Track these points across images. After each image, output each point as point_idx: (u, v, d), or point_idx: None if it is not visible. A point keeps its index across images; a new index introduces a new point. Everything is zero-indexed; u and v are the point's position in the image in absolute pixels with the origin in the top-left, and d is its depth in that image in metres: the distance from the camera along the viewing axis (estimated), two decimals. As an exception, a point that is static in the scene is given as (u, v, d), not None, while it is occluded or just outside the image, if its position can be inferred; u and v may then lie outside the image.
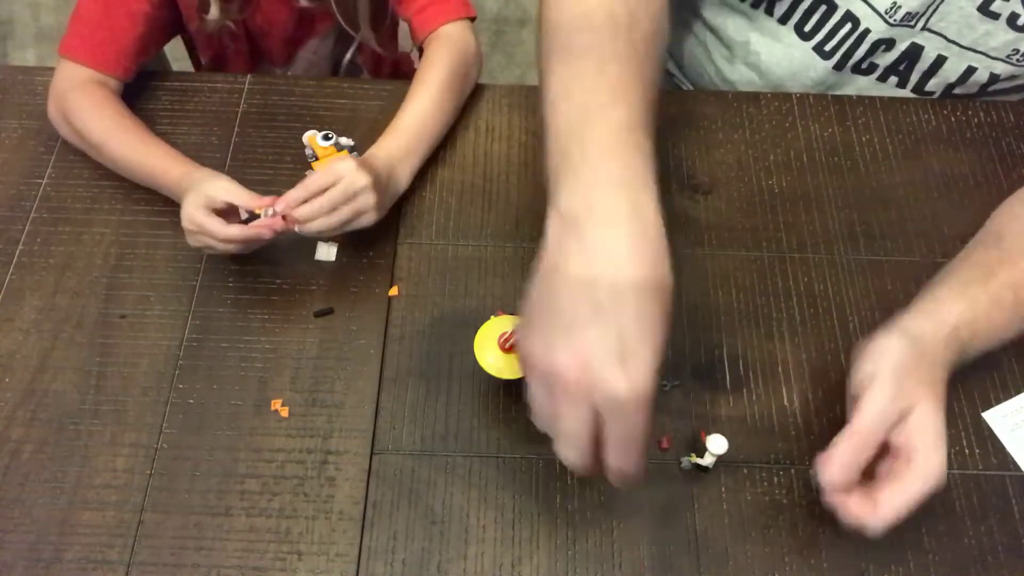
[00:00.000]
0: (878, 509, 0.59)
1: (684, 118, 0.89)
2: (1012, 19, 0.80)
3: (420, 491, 0.69)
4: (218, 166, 0.84)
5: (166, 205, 0.82)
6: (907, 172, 0.86)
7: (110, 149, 0.81)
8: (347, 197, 0.73)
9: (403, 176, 0.81)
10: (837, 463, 0.59)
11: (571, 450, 0.53)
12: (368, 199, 0.75)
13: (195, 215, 0.72)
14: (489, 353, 0.67)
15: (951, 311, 0.65)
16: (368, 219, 0.76)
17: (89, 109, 0.82)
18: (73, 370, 0.73)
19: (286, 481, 0.69)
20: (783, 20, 0.91)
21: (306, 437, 0.71)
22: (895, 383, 0.60)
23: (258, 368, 0.74)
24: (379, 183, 0.76)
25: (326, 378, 0.73)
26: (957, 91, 0.90)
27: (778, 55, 0.93)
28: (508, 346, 0.66)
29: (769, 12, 0.92)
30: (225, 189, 0.73)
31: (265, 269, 0.79)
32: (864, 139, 0.88)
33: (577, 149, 0.58)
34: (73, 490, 0.68)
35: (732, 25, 0.95)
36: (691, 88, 1.04)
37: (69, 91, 0.83)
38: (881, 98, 0.91)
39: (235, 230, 0.72)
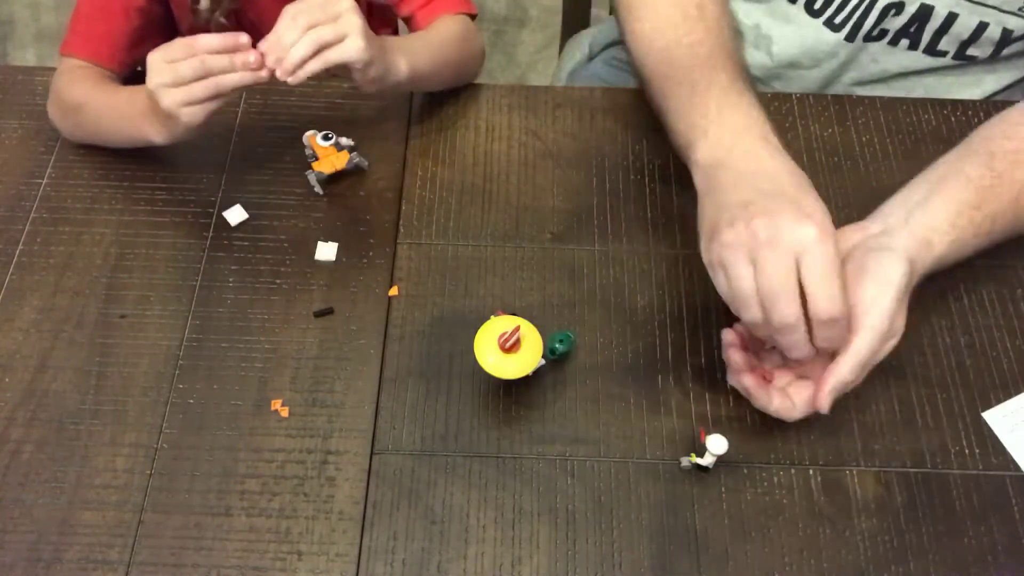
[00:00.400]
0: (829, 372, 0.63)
1: (684, 118, 0.89)
2: None
3: (420, 491, 0.69)
4: (218, 165, 0.84)
5: (166, 205, 0.82)
6: (907, 172, 0.85)
7: (90, 101, 0.81)
8: (327, 15, 0.69)
9: (401, 60, 0.78)
10: (833, 386, 0.63)
11: (785, 305, 0.59)
12: (352, 20, 0.69)
13: (161, 46, 0.68)
14: (489, 353, 0.67)
15: (942, 241, 0.68)
16: (353, 46, 0.70)
17: (73, 82, 0.83)
18: (73, 370, 0.73)
19: (286, 481, 0.69)
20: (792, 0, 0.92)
21: (306, 437, 0.71)
22: (896, 311, 0.64)
23: (258, 368, 0.74)
24: (367, 24, 0.71)
25: (326, 378, 0.73)
26: (971, 51, 0.89)
27: (789, 36, 0.93)
28: (508, 346, 0.66)
29: None
30: (182, 44, 0.68)
31: (265, 269, 0.79)
32: (864, 139, 0.88)
33: (699, 114, 0.71)
34: (73, 490, 0.68)
35: (742, 9, 0.95)
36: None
37: (58, 79, 0.84)
38: (881, 98, 0.91)
39: (208, 38, 0.67)
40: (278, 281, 0.78)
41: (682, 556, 0.66)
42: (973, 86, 0.93)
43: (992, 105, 0.90)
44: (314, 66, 0.69)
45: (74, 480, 0.68)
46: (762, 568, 0.66)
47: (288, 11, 0.70)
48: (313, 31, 0.68)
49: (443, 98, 0.90)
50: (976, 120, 0.89)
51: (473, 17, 0.92)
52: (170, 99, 0.69)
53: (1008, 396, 0.73)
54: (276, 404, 0.72)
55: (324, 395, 0.72)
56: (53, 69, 0.87)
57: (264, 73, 0.69)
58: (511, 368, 0.66)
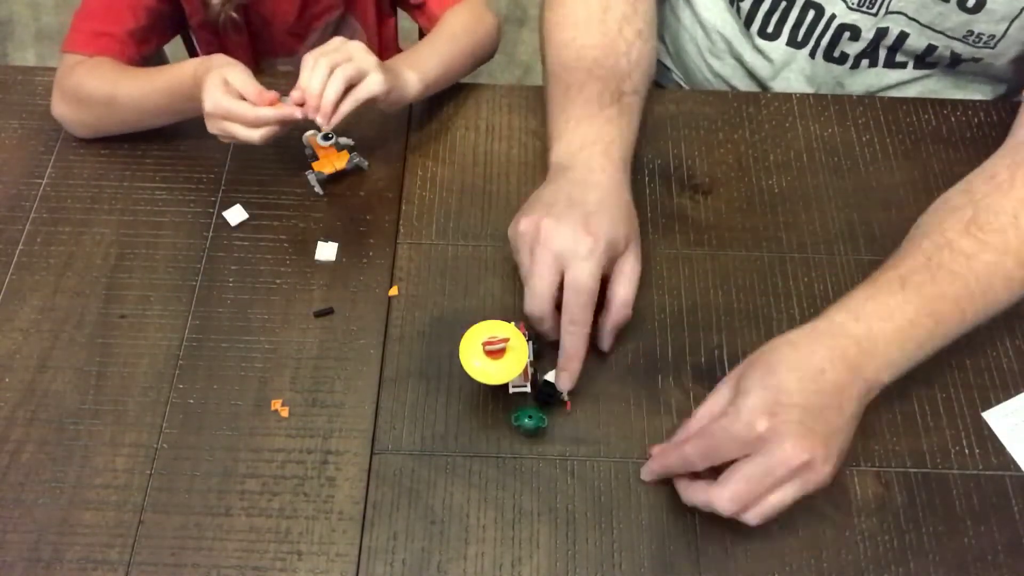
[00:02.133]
0: (721, 482, 0.61)
1: (684, 118, 0.89)
2: (961, 1, 0.82)
3: (420, 491, 0.69)
4: (218, 165, 0.84)
5: (166, 205, 0.82)
6: (907, 172, 0.86)
7: (120, 92, 0.81)
8: (343, 56, 0.73)
9: (411, 77, 0.81)
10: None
11: (536, 300, 0.68)
12: (366, 57, 0.74)
13: (221, 100, 0.72)
14: (475, 358, 0.66)
15: (828, 309, 0.67)
16: (376, 81, 0.74)
17: (90, 74, 0.83)
18: (73, 370, 0.73)
19: (286, 481, 0.69)
20: (747, 24, 0.92)
21: (306, 437, 0.71)
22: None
23: (258, 368, 0.74)
24: (377, 58, 0.75)
25: (326, 378, 0.73)
26: (929, 60, 0.90)
27: (758, 59, 0.94)
28: (490, 351, 0.66)
29: (738, 13, 0.93)
30: (240, 79, 0.72)
31: (265, 269, 0.79)
32: (864, 139, 0.88)
33: (563, 119, 0.78)
34: (73, 490, 0.68)
35: (720, 21, 0.95)
36: (686, 82, 1.04)
37: (68, 73, 0.84)
38: (881, 98, 0.91)
39: (266, 111, 0.71)
40: (278, 281, 0.78)
41: (682, 556, 0.66)
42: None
43: (992, 104, 0.90)
44: (347, 107, 0.73)
45: (74, 480, 0.68)
46: (762, 568, 0.66)
47: (308, 61, 0.73)
48: (339, 70, 0.72)
49: (443, 98, 0.90)
50: (976, 120, 0.89)
51: None
52: (221, 132, 0.74)
53: (1008, 396, 0.73)
54: (276, 404, 0.72)
55: (324, 395, 0.72)
56: (53, 69, 0.87)
57: (299, 115, 0.72)
58: (496, 373, 0.66)
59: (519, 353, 0.66)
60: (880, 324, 0.65)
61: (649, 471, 0.68)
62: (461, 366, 0.66)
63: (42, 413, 0.71)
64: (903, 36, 0.88)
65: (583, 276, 0.67)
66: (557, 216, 0.69)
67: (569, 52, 0.81)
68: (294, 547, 0.66)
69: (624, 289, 0.71)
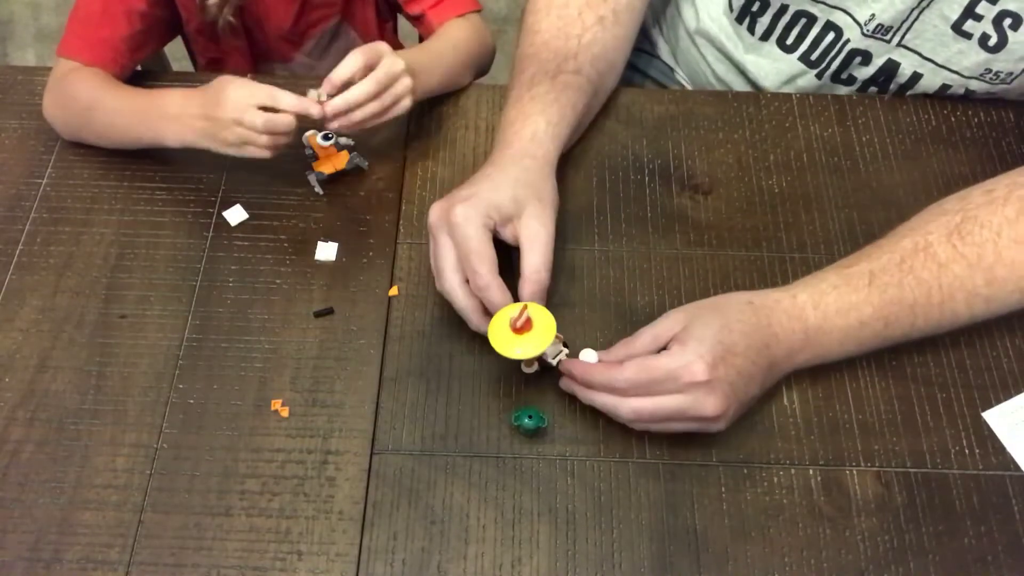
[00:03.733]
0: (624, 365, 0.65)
1: (684, 118, 0.89)
2: (983, 39, 0.81)
3: (420, 491, 0.69)
4: (217, 165, 0.84)
5: (166, 205, 0.82)
6: (907, 172, 0.86)
7: (105, 104, 0.82)
8: (390, 79, 0.75)
9: (417, 87, 0.82)
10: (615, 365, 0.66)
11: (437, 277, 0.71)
12: (407, 82, 0.76)
13: (242, 103, 0.72)
14: (514, 345, 0.67)
15: (798, 284, 0.70)
16: (405, 105, 0.77)
17: (80, 82, 0.83)
18: (73, 370, 0.73)
19: (286, 481, 0.69)
20: (764, 37, 0.92)
21: (306, 437, 0.71)
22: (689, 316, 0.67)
23: (258, 368, 0.74)
24: (411, 82, 0.78)
25: (326, 378, 0.73)
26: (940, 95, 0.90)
27: (765, 68, 0.94)
28: (519, 327, 0.66)
29: (751, 30, 0.93)
30: (267, 92, 0.73)
31: (265, 269, 0.79)
32: (864, 139, 0.88)
33: (507, 104, 0.80)
34: (73, 490, 0.68)
35: (723, 34, 0.95)
36: (689, 84, 1.04)
37: (61, 78, 0.84)
38: (881, 98, 0.91)
39: (283, 118, 0.72)
40: (278, 281, 0.78)
41: (682, 556, 0.66)
42: None
43: (992, 104, 0.90)
44: (368, 124, 0.76)
45: (74, 480, 0.68)
46: (762, 568, 0.66)
47: (355, 63, 0.74)
48: (379, 101, 0.75)
49: (443, 98, 0.90)
50: (976, 120, 0.89)
51: (479, 11, 0.95)
52: (239, 139, 0.74)
53: (1008, 396, 0.73)
54: (276, 404, 0.72)
55: (324, 395, 0.72)
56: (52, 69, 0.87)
57: (315, 113, 0.73)
58: (531, 345, 0.66)
59: (544, 317, 0.67)
60: (834, 319, 0.68)
61: (567, 384, 0.70)
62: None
63: (42, 413, 0.71)
64: (916, 76, 0.88)
65: (460, 234, 0.68)
66: (456, 200, 0.70)
67: (527, 37, 0.84)
68: (294, 547, 0.66)
69: (530, 256, 0.70)
